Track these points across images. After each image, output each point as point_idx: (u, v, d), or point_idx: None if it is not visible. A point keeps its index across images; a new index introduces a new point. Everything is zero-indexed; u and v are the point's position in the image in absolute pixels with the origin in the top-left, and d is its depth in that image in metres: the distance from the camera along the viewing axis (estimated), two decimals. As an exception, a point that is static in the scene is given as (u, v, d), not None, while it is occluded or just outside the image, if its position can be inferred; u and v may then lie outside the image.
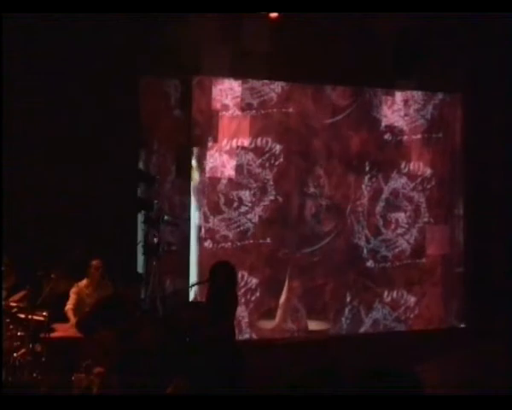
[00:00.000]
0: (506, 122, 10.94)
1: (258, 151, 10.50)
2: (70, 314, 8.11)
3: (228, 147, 10.36)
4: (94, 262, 8.33)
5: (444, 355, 8.96)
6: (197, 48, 9.33)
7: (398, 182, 11.18)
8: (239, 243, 10.41)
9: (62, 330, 7.64)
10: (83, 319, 7.61)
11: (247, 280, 10.30)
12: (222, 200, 10.35)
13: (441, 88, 11.21)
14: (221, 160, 10.31)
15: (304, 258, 10.68)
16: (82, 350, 7.09)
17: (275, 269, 10.43)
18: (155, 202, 9.79)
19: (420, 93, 11.23)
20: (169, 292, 9.66)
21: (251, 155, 10.46)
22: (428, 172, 11.27)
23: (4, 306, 7.46)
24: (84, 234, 8.74)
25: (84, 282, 8.33)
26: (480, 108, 11.08)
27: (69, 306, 8.17)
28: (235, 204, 10.41)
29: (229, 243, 10.36)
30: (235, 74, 10.24)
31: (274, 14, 9.43)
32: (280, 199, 10.61)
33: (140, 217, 9.78)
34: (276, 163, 10.60)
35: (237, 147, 10.39)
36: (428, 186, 11.29)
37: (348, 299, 10.87)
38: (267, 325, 10.56)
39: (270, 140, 10.55)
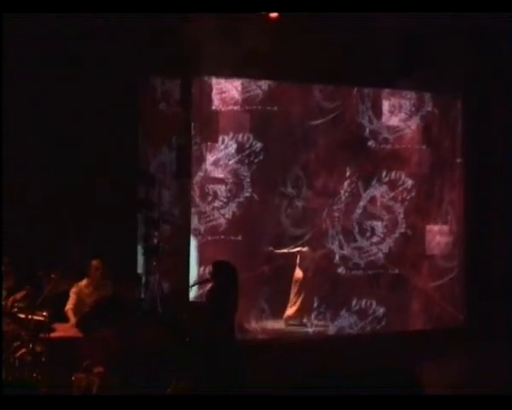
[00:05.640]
0: (506, 123, 10.92)
1: (238, 147, 10.45)
2: (70, 314, 8.10)
3: (207, 141, 10.31)
4: (94, 262, 8.33)
5: (444, 355, 8.96)
6: (197, 48, 9.32)
7: (377, 190, 11.10)
8: (210, 238, 10.33)
9: (62, 330, 7.63)
10: (83, 318, 7.61)
11: None
12: (197, 193, 10.28)
13: (440, 89, 11.19)
14: (199, 153, 10.24)
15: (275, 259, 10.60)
16: (82, 350, 7.09)
17: (244, 267, 10.24)
18: (155, 202, 9.78)
19: (408, 104, 11.19)
20: (169, 292, 9.65)
21: (230, 150, 10.41)
22: (409, 182, 11.19)
23: (4, 306, 7.46)
24: (84, 234, 8.74)
25: (84, 282, 8.32)
26: (480, 109, 11.06)
27: (69, 306, 8.17)
28: (210, 198, 10.36)
29: (200, 237, 10.28)
30: (232, 74, 10.22)
31: (274, 14, 9.43)
32: (256, 197, 10.55)
33: (140, 217, 9.77)
34: (256, 160, 10.55)
35: (218, 141, 10.34)
36: (408, 197, 11.21)
37: (315, 304, 10.80)
38: (274, 325, 10.57)
39: (251, 137, 10.50)
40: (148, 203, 9.76)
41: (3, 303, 7.52)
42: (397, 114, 11.18)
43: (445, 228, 11.37)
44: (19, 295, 7.60)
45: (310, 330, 10.70)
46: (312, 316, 10.77)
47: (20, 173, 8.78)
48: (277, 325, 10.68)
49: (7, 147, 8.61)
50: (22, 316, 7.27)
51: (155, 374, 6.60)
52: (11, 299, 7.60)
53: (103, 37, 8.93)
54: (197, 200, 10.28)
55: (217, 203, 10.40)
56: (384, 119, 11.14)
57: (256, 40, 9.25)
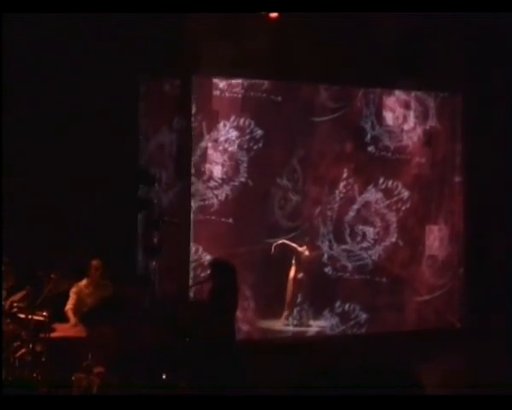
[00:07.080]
0: (506, 123, 10.91)
1: (239, 131, 10.41)
2: (70, 314, 8.11)
3: (208, 121, 10.26)
4: (94, 262, 8.34)
5: (443, 355, 8.97)
6: (196, 47, 9.31)
7: (372, 196, 11.02)
8: (201, 216, 10.28)
9: (62, 330, 7.64)
10: (87, 313, 7.65)
11: (201, 255, 10.16)
12: (192, 170, 10.20)
13: (440, 89, 11.17)
14: (199, 134, 10.19)
15: (262, 249, 10.48)
16: (82, 350, 7.09)
17: (230, 249, 10.01)
18: (155, 201, 9.77)
19: (412, 115, 11.11)
20: (169, 292, 9.64)
21: (230, 134, 10.37)
22: (406, 193, 11.11)
23: (4, 306, 7.47)
24: (85, 234, 8.74)
25: (84, 282, 8.33)
26: (480, 109, 11.04)
27: (69, 306, 8.18)
28: (205, 177, 10.33)
29: (192, 215, 10.17)
30: (232, 74, 10.21)
31: (274, 14, 9.43)
32: (250, 183, 10.52)
33: (140, 217, 9.76)
34: (255, 147, 10.52)
35: (218, 123, 10.32)
36: (403, 207, 11.12)
37: (299, 300, 10.73)
38: (273, 324, 10.52)
39: (253, 123, 10.47)
40: (148, 203, 9.76)
41: (3, 303, 7.53)
42: (400, 125, 11.13)
43: (438, 243, 11.29)
44: (19, 296, 7.61)
45: (290, 328, 10.64)
46: (295, 311, 10.70)
47: (20, 173, 8.78)
48: (261, 320, 10.56)
49: (7, 147, 8.62)
50: (22, 316, 7.28)
51: (155, 374, 6.61)
52: (11, 299, 7.61)
53: (103, 37, 8.94)
54: (192, 178, 10.19)
55: (211, 183, 10.35)
56: (387, 126, 11.09)
57: (256, 40, 9.25)
